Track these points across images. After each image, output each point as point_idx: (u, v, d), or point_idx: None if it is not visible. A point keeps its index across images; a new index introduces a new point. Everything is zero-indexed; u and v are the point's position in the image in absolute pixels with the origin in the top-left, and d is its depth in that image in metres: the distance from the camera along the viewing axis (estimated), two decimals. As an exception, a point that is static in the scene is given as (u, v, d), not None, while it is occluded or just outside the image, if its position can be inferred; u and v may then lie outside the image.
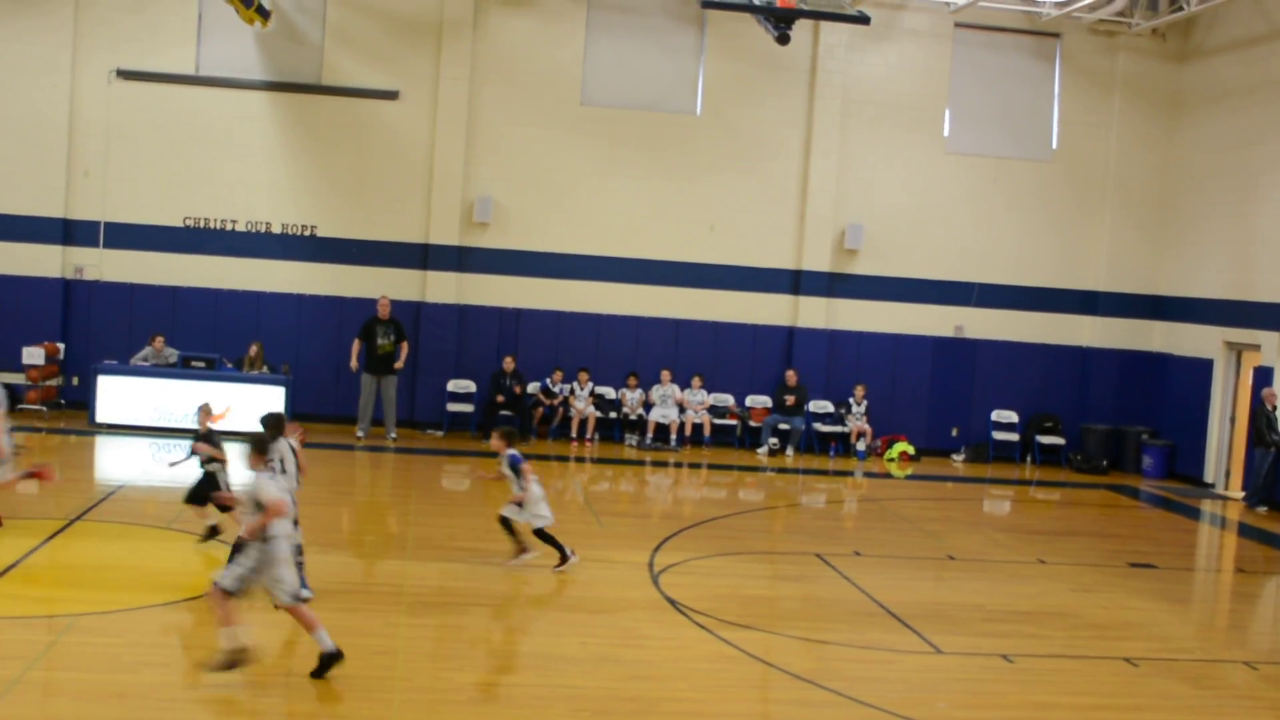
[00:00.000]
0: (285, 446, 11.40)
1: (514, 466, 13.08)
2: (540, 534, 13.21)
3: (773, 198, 23.30)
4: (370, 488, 18.64)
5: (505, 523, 13.31)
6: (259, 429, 10.98)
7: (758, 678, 10.53)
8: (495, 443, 13.37)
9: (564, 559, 13.20)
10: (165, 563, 12.83)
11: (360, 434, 21.12)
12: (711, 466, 21.58)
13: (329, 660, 9.50)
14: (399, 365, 21.15)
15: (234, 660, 9.26)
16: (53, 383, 21.34)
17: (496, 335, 22.60)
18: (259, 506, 9.37)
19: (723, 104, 23.12)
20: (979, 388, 23.91)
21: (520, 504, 13.11)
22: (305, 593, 11.49)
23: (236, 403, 20.10)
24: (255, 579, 9.32)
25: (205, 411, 13.89)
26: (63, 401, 21.41)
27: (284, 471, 11.18)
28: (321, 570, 12.75)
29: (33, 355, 20.87)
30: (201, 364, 20.41)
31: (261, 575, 9.32)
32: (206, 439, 13.51)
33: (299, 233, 22.13)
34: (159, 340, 20.75)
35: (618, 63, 22.95)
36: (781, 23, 20.85)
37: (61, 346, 21.48)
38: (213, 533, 13.39)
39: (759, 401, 23.37)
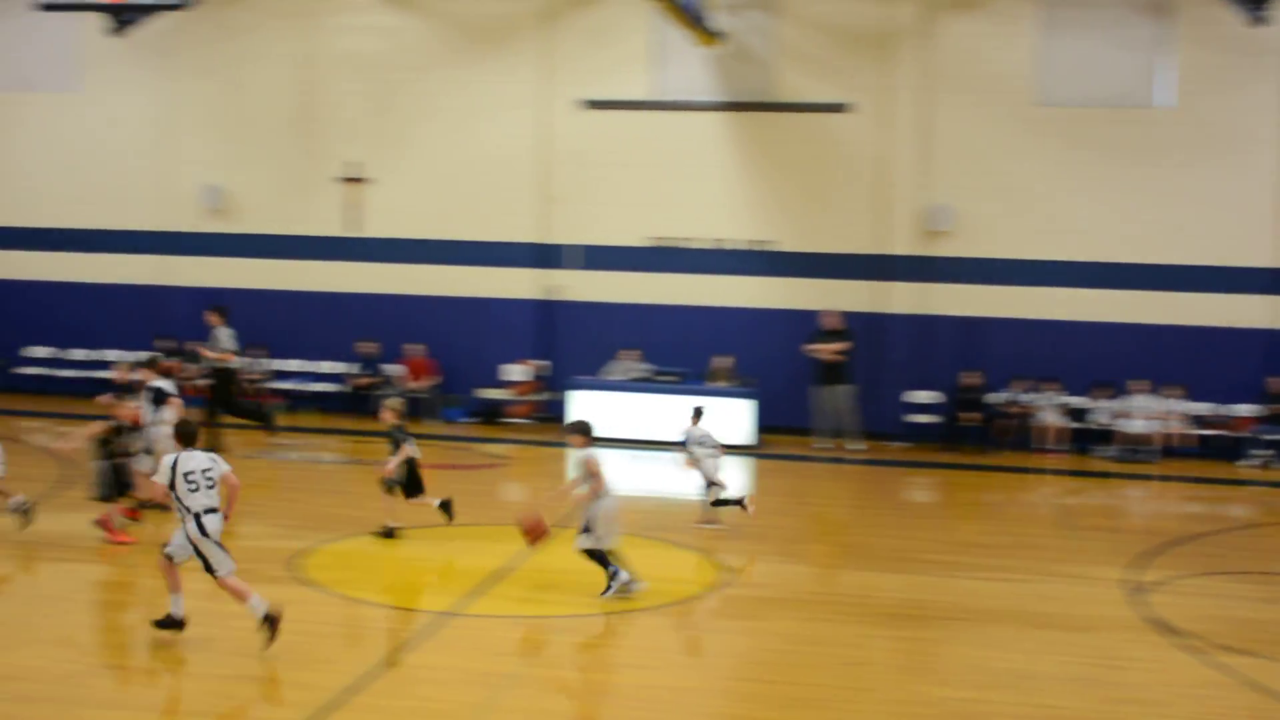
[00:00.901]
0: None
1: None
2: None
3: (1248, 192, 21.71)
4: (830, 498, 18.69)
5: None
6: (578, 426, 12.21)
7: (1255, 708, 9.78)
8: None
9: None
10: (647, 568, 13.31)
11: (818, 445, 21.27)
12: (1190, 480, 20.33)
13: (272, 620, 9.92)
14: (832, 356, 21.06)
15: (172, 622, 10.13)
16: (533, 398, 22.69)
17: (957, 345, 22.19)
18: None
19: (1189, 95, 21.75)
20: None
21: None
22: (638, 585, 11.86)
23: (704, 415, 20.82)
24: (191, 550, 10.03)
25: (395, 410, 14.44)
26: (543, 415, 22.70)
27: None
28: (786, 580, 12.94)
29: (515, 372, 22.38)
30: (670, 378, 21.17)
31: (199, 548, 10.01)
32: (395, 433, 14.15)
33: (757, 248, 22.57)
34: (631, 355, 21.68)
35: (1073, 59, 22.05)
36: (1256, 3, 19.48)
37: (542, 364, 22.80)
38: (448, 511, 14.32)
39: (1243, 410, 21.78)
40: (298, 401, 23.34)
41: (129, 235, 24.42)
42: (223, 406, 19.34)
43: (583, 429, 12.16)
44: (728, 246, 22.65)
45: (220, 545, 10.06)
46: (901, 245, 22.26)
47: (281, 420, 22.23)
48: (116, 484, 13.51)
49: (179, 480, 10.03)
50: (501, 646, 10.66)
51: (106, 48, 23.18)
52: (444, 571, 12.98)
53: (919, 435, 22.05)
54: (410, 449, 14.21)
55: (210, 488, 10.12)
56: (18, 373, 24.12)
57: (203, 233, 24.14)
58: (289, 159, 23.81)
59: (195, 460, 10.14)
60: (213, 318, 19.67)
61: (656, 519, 15.65)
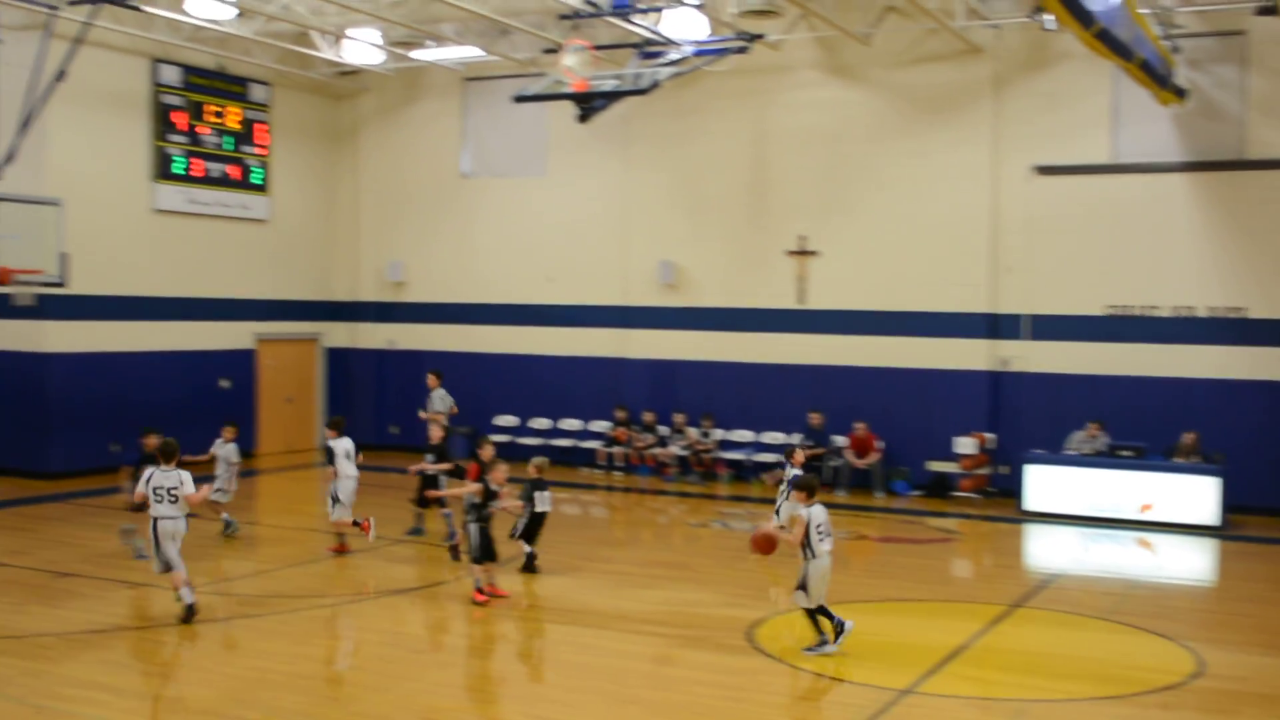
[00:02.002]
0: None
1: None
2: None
3: None
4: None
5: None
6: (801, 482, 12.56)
7: None
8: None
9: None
10: (1108, 654, 12.65)
11: (1301, 529, 19.59)
12: None
13: (189, 612, 12.72)
14: None
15: (190, 613, 12.72)
16: (983, 471, 22.09)
17: None
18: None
19: None
20: None
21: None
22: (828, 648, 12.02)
23: (1166, 493, 19.66)
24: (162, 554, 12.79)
25: (539, 467, 15.69)
26: (993, 489, 22.06)
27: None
28: (1267, 673, 11.92)
29: (964, 445, 21.87)
30: (1129, 453, 20.10)
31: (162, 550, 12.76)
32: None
33: (1226, 315, 21.14)
34: (1094, 427, 20.71)
35: None
36: None
37: (991, 436, 22.20)
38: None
39: None
40: (745, 471, 23.66)
41: (588, 310, 25.69)
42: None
43: (801, 485, 12.42)
44: (1192, 314, 21.34)
45: (162, 549, 12.70)
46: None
47: (728, 490, 22.71)
48: (486, 547, 14.09)
49: (150, 492, 12.65)
50: (959, 728, 10.34)
51: (567, 133, 24.55)
52: (897, 647, 12.74)
53: None
54: (540, 503, 15.15)
55: (173, 502, 12.66)
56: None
57: (656, 306, 25.06)
58: (738, 233, 24.39)
59: (168, 478, 12.68)
60: (431, 380, 21.05)
61: (1120, 603, 14.84)
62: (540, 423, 26.00)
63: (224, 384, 25.51)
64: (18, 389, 22.76)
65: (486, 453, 15.41)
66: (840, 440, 22.98)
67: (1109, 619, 13.90)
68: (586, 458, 25.13)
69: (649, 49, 20.20)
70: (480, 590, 14.01)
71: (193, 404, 23.70)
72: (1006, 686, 11.40)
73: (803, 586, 12.06)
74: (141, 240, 23.93)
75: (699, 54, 20.47)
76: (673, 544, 19.04)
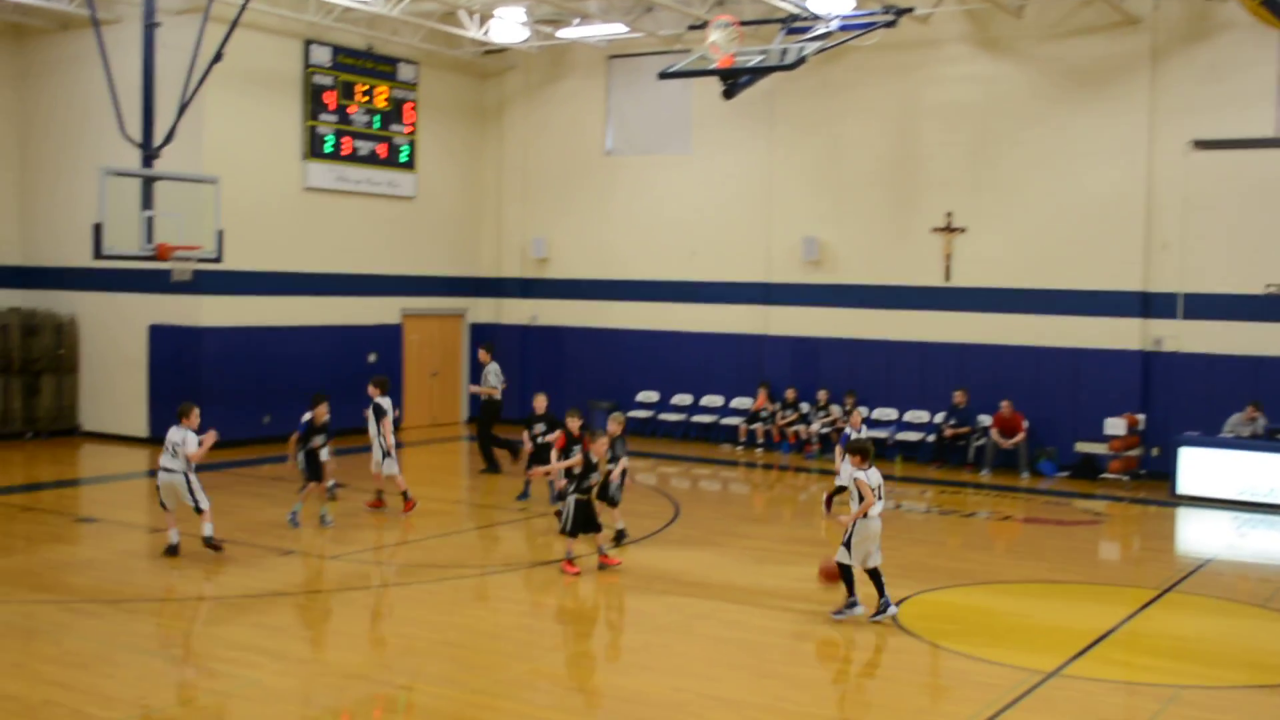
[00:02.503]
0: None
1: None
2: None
3: None
4: None
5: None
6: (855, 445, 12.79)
7: None
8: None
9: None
10: (1264, 641, 12.30)
11: None
12: None
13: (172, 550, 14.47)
14: None
15: (172, 548, 14.39)
16: (1133, 453, 21.57)
17: None
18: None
19: None
20: None
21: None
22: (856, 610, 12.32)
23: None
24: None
25: (620, 423, 15.71)
26: (1143, 472, 21.55)
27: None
28: None
29: (1114, 426, 21.35)
30: (1286, 436, 19.48)
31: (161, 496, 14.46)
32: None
33: (1395, 294, 20.33)
34: (1252, 408, 20.04)
35: None
36: None
37: (1141, 418, 21.67)
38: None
39: None
40: (888, 450, 23.37)
41: (731, 287, 25.64)
42: (480, 436, 21.12)
43: (857, 449, 12.65)
44: (1359, 292, 20.54)
45: (161, 495, 14.43)
46: None
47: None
48: (583, 520, 14.12)
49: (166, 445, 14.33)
50: (1106, 713, 10.12)
51: (711, 110, 24.48)
52: (1043, 629, 12.52)
53: None
54: (624, 461, 15.30)
55: (174, 456, 14.20)
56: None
57: (799, 283, 24.91)
58: (883, 210, 24.10)
59: (174, 435, 14.25)
60: (482, 354, 21.20)
61: (1278, 590, 14.39)
62: (682, 399, 26.07)
63: (372, 358, 26.01)
64: (174, 362, 23.48)
65: (574, 424, 15.57)
66: (985, 419, 22.64)
67: (1266, 606, 13.49)
68: (728, 434, 25.14)
69: (795, 24, 20.07)
70: (570, 561, 14.20)
71: (341, 378, 24.21)
72: (1156, 671, 11.13)
73: (847, 544, 12.27)
74: (292, 217, 24.49)
75: (846, 29, 20.29)
76: (814, 521, 18.93)
